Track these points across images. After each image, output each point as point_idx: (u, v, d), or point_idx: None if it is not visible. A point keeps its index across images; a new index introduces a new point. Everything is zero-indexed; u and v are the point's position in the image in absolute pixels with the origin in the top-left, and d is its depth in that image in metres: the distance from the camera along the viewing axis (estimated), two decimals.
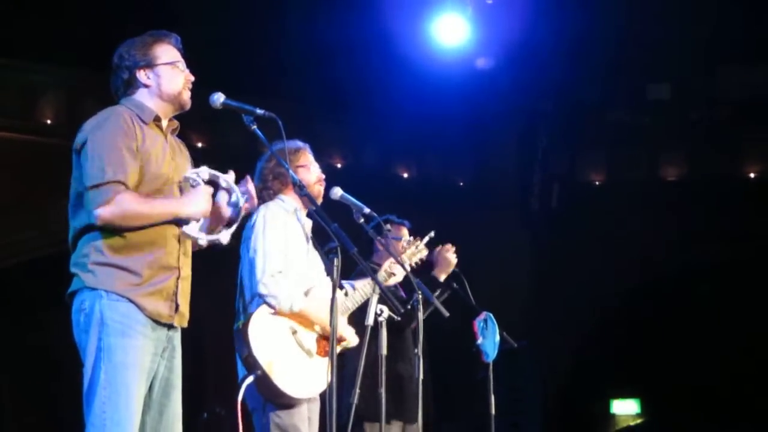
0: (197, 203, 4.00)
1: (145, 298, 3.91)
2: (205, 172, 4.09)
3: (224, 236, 4.09)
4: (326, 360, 4.91)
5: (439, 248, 6.25)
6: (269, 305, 4.80)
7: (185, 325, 4.13)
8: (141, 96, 4.14)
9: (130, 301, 3.89)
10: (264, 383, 4.70)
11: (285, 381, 4.73)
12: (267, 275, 4.80)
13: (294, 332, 4.85)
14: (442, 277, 6.26)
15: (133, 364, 3.87)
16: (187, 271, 4.11)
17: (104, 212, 3.84)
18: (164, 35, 4.23)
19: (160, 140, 4.12)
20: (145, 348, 3.92)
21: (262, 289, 4.79)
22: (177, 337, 4.13)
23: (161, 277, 3.98)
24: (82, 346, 3.93)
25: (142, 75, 4.14)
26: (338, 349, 5.07)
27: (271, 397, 4.77)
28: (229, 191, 4.11)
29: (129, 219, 3.88)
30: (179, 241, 4.05)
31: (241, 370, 4.84)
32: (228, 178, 4.11)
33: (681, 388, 14.21)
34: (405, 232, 6.36)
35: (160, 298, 3.96)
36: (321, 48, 13.18)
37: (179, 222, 4.00)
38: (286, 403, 4.80)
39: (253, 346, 4.69)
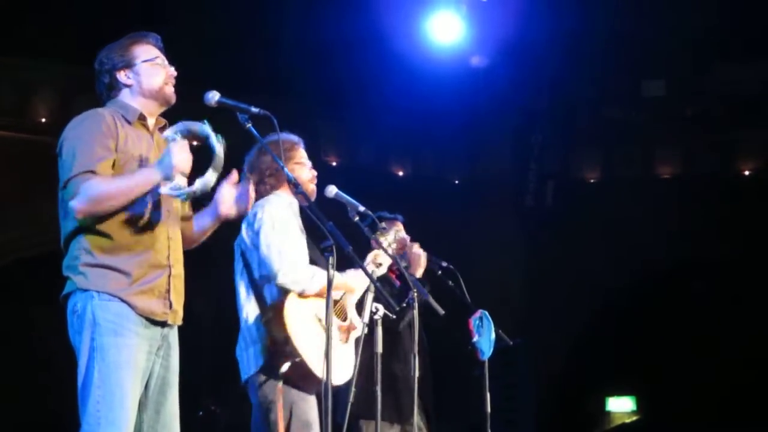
0: (175, 158, 3.91)
1: (137, 296, 3.91)
2: (180, 125, 4.06)
3: (199, 185, 3.99)
4: (347, 348, 4.93)
5: (407, 248, 6.26)
6: (295, 291, 4.77)
7: (180, 322, 4.13)
8: (124, 96, 4.15)
9: (122, 300, 3.89)
10: (300, 369, 4.67)
11: (319, 368, 4.73)
12: (286, 263, 4.78)
13: (319, 320, 4.85)
14: (419, 274, 6.25)
15: (127, 363, 3.86)
16: (178, 268, 4.10)
17: (76, 203, 3.83)
18: (142, 35, 4.24)
19: (145, 139, 4.12)
20: (138, 346, 3.91)
21: (282, 279, 4.76)
22: (173, 335, 4.13)
23: (152, 275, 3.97)
24: (76, 348, 3.93)
25: (122, 76, 4.14)
26: (353, 337, 5.07)
27: (302, 383, 4.73)
28: (206, 138, 4.07)
29: (103, 201, 3.85)
30: (169, 238, 4.05)
31: (246, 364, 4.80)
32: (205, 127, 4.07)
33: (676, 386, 14.23)
34: (399, 225, 6.37)
35: (151, 296, 3.96)
36: (316, 46, 13.18)
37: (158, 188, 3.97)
38: (307, 390, 4.77)
39: (291, 333, 4.66)
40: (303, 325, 4.75)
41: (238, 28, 12.95)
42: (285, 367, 4.64)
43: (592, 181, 15.41)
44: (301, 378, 4.71)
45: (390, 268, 5.94)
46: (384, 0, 11.91)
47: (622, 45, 14.16)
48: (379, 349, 4.85)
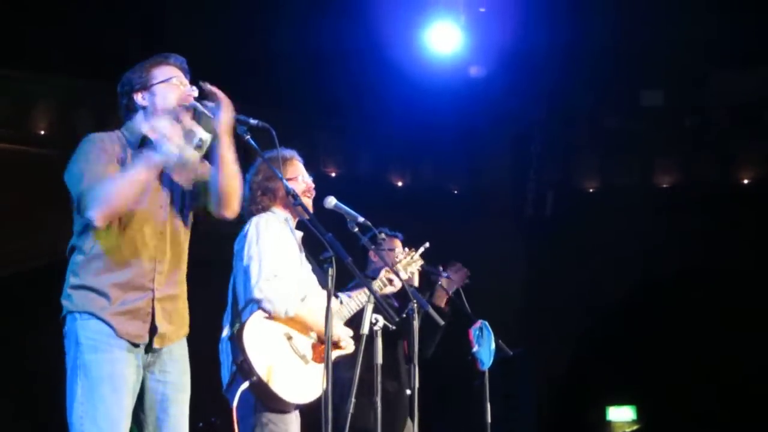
0: (164, 132, 3.98)
1: (115, 317, 3.92)
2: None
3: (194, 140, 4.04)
4: (322, 366, 4.91)
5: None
6: (265, 310, 4.78)
7: (170, 343, 4.08)
8: (137, 119, 4.16)
9: (101, 319, 3.90)
10: (259, 388, 4.69)
11: (281, 386, 4.72)
12: (262, 280, 4.80)
13: (289, 338, 4.84)
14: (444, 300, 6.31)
15: (110, 377, 3.87)
16: (167, 291, 4.06)
17: (91, 213, 3.86)
18: (163, 57, 4.25)
19: None
20: (123, 360, 3.91)
21: (257, 294, 4.78)
22: (169, 351, 4.09)
23: (131, 297, 3.96)
24: (66, 369, 3.98)
25: (138, 98, 4.16)
26: (334, 355, 5.06)
27: (266, 402, 4.76)
28: (193, 108, 4.10)
29: (112, 198, 3.87)
30: (156, 261, 4.03)
31: (226, 378, 4.84)
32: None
33: (677, 395, 14.21)
34: (398, 243, 6.38)
35: (129, 319, 3.95)
36: (314, 57, 13.18)
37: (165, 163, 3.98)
38: (280, 408, 4.79)
39: (249, 351, 4.68)
40: (268, 344, 4.75)
41: (235, 39, 12.95)
42: (244, 385, 4.66)
43: (591, 190, 15.40)
44: (266, 398, 4.72)
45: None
46: (382, 10, 11.91)
47: (621, 54, 14.16)
48: (379, 360, 4.85)
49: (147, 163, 3.94)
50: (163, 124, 4.02)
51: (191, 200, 4.21)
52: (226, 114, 4.06)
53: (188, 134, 4.02)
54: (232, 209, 4.20)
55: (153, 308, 4.00)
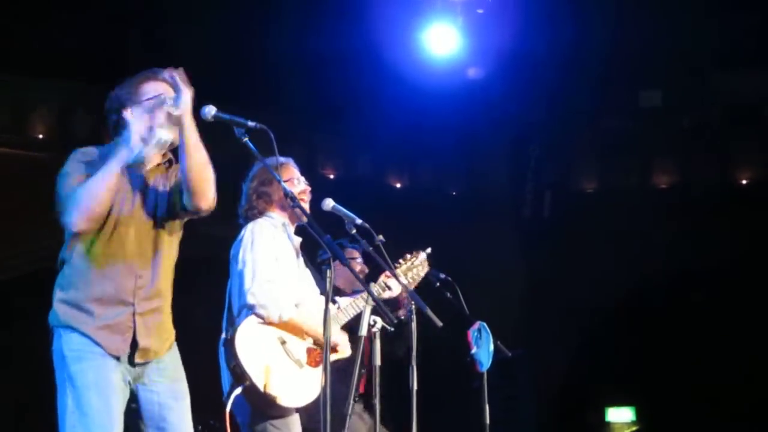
0: (133, 128, 4.02)
1: (96, 331, 3.93)
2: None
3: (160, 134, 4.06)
4: (316, 370, 4.92)
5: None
6: (258, 315, 4.79)
7: (154, 357, 4.08)
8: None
9: (83, 333, 3.90)
10: (253, 393, 4.70)
11: (274, 390, 4.73)
12: (256, 285, 4.81)
13: (283, 342, 4.85)
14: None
15: (95, 383, 3.89)
16: (149, 305, 4.06)
17: (67, 218, 3.89)
18: (153, 72, 4.23)
19: (135, 176, 4.09)
20: (107, 366, 3.92)
21: (250, 299, 4.79)
22: (157, 361, 4.09)
23: (112, 312, 3.96)
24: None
25: (128, 114, 4.14)
26: (332, 358, 5.06)
27: (261, 407, 4.77)
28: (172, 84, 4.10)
29: (84, 200, 3.89)
30: (137, 277, 4.02)
31: (226, 383, 4.85)
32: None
33: (676, 396, 14.20)
34: (356, 254, 6.41)
35: (110, 333, 3.95)
36: (312, 59, 13.18)
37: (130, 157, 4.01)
38: (276, 413, 4.80)
39: (241, 356, 4.69)
40: (261, 348, 4.76)
41: (233, 42, 12.95)
42: (238, 390, 4.67)
43: (589, 191, 15.41)
44: (260, 402, 4.73)
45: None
46: (379, 13, 11.90)
47: (619, 55, 14.16)
48: (378, 361, 4.85)
49: (116, 157, 3.94)
50: (135, 123, 4.02)
51: (171, 208, 4.18)
52: (185, 96, 4.03)
53: (150, 131, 4.03)
54: (206, 199, 4.10)
55: (134, 323, 4.00)
